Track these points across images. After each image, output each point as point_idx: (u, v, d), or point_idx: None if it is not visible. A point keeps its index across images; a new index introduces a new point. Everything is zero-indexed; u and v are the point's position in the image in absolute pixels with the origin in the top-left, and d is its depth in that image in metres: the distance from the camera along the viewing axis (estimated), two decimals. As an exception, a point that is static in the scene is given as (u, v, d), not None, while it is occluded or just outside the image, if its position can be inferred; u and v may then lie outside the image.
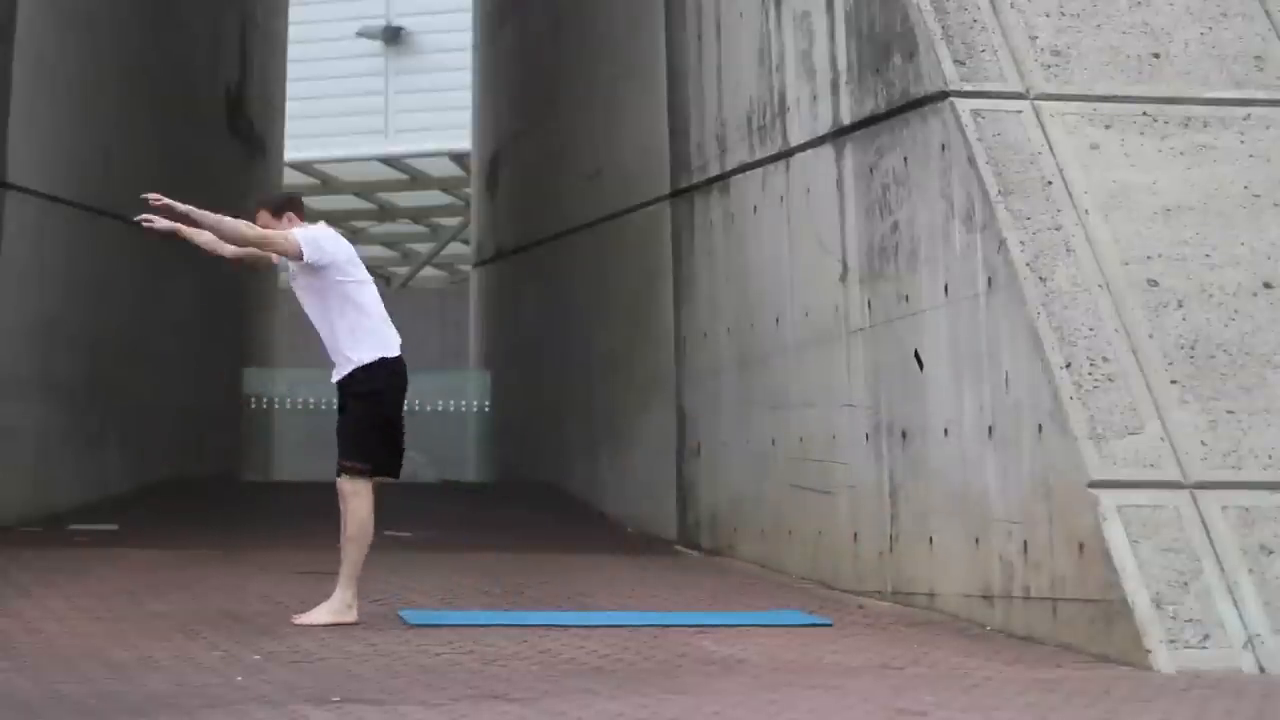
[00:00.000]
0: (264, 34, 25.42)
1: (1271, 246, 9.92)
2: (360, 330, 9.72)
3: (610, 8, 17.73)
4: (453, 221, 37.24)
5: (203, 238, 10.00)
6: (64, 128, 16.93)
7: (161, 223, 9.89)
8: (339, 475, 9.70)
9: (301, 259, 9.64)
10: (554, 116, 20.31)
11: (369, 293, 9.79)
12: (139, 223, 9.95)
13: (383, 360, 9.73)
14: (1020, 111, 10.29)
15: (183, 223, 9.88)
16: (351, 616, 9.65)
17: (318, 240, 9.70)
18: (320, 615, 9.67)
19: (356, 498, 9.65)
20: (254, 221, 9.83)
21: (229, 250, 10.06)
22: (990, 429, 9.95)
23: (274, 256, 9.92)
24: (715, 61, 14.20)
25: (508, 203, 23.72)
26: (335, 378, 9.79)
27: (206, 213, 9.72)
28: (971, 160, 10.08)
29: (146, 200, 9.78)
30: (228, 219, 9.75)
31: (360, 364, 9.70)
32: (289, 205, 9.95)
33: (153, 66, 19.79)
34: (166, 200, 9.74)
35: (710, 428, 14.42)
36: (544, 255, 20.71)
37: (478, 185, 26.53)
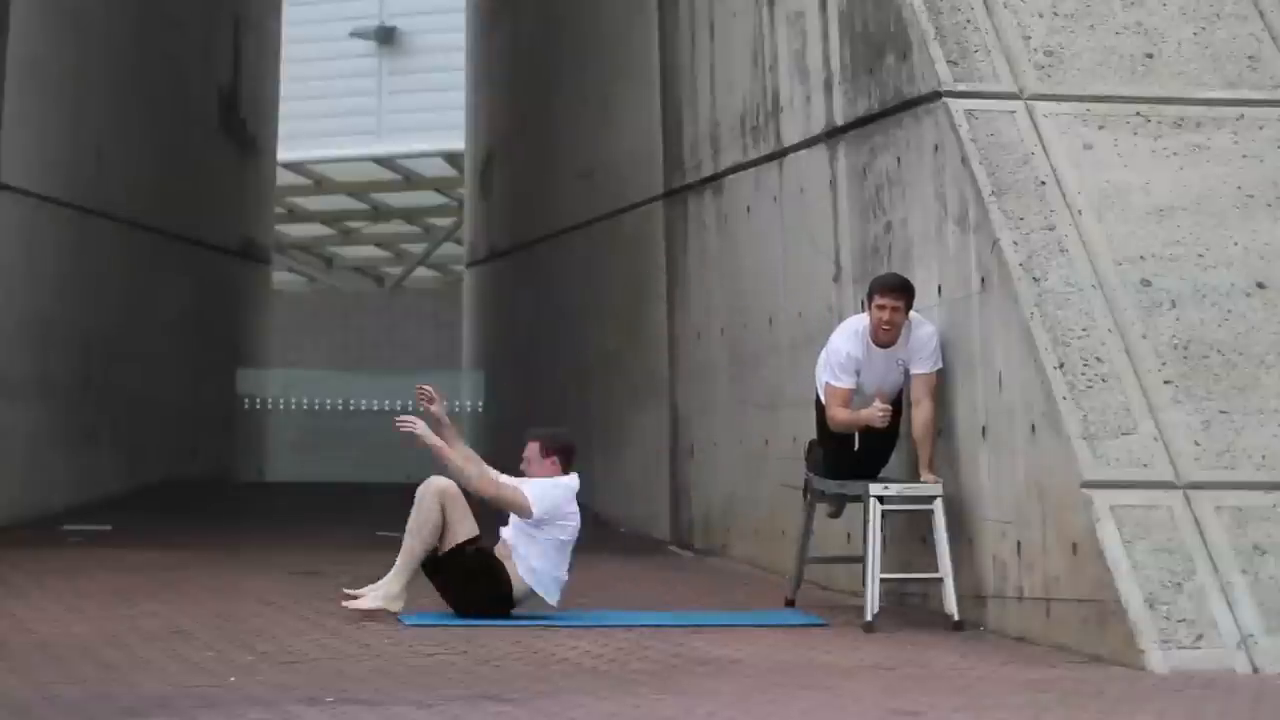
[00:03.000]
0: (257, 33, 25.40)
1: (1265, 247, 9.92)
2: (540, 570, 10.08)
3: (603, 8, 17.73)
4: (446, 222, 37.20)
5: (447, 461, 10.20)
6: (55, 127, 16.92)
7: (421, 430, 10.07)
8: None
9: (528, 519, 10.00)
10: (547, 117, 20.30)
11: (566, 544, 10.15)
12: (399, 426, 10.12)
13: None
14: (1014, 112, 10.28)
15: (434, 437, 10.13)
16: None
17: (547, 506, 10.03)
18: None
19: None
20: (525, 447, 10.18)
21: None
22: (984, 429, 9.95)
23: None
24: (708, 61, 14.20)
25: (501, 203, 23.71)
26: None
27: (452, 457, 10.03)
28: (965, 160, 10.08)
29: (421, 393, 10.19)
30: (470, 471, 10.06)
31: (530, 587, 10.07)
32: (561, 452, 10.25)
33: (145, 66, 19.78)
34: (420, 435, 10.00)
35: (703, 428, 14.42)
36: (537, 256, 20.70)
37: (471, 185, 26.52)
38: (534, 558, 10.00)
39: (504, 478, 10.15)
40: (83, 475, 17.68)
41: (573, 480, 10.18)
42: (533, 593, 10.03)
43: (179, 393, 21.08)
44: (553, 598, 10.06)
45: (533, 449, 10.19)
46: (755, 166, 13.16)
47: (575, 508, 10.15)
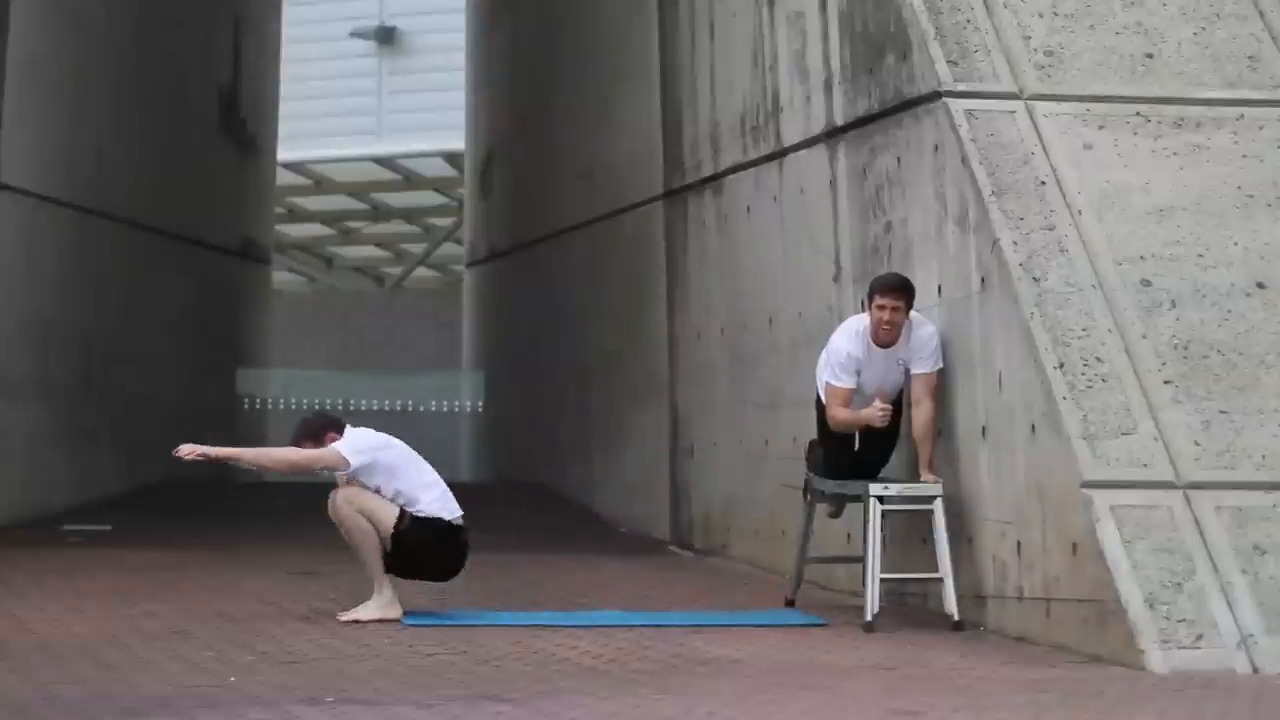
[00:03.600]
0: (257, 33, 25.39)
1: (1265, 247, 9.93)
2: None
3: (603, 8, 17.73)
4: (446, 222, 37.21)
5: (245, 460, 10.43)
6: (55, 127, 16.92)
7: (192, 450, 10.08)
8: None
9: (349, 468, 9.97)
10: (547, 117, 20.31)
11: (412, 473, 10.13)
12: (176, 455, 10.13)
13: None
14: (1014, 112, 10.28)
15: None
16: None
17: (359, 449, 10.01)
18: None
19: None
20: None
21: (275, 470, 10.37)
22: (984, 429, 9.95)
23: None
24: (708, 61, 14.20)
25: (501, 203, 23.71)
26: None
27: (247, 452, 10.40)
28: (965, 160, 10.08)
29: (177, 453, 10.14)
30: (273, 453, 10.32)
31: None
32: (327, 427, 10.20)
33: (145, 66, 19.78)
34: (200, 450, 10.07)
35: (703, 428, 14.42)
36: (537, 256, 20.70)
37: (471, 185, 26.52)
38: (387, 490, 10.00)
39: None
40: (83, 475, 17.68)
41: (362, 432, 10.18)
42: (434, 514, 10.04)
43: (179, 393, 21.07)
44: (446, 510, 10.07)
45: (309, 445, 10.09)
46: (755, 166, 13.16)
47: (384, 437, 10.15)
